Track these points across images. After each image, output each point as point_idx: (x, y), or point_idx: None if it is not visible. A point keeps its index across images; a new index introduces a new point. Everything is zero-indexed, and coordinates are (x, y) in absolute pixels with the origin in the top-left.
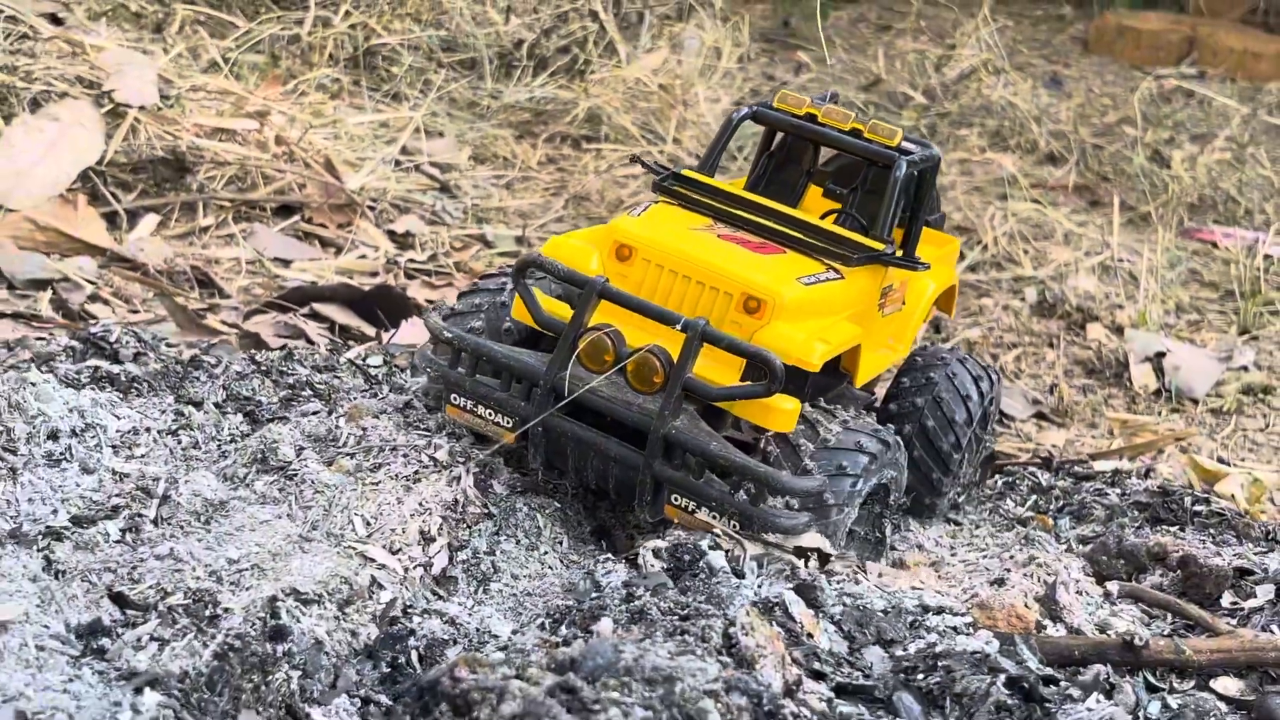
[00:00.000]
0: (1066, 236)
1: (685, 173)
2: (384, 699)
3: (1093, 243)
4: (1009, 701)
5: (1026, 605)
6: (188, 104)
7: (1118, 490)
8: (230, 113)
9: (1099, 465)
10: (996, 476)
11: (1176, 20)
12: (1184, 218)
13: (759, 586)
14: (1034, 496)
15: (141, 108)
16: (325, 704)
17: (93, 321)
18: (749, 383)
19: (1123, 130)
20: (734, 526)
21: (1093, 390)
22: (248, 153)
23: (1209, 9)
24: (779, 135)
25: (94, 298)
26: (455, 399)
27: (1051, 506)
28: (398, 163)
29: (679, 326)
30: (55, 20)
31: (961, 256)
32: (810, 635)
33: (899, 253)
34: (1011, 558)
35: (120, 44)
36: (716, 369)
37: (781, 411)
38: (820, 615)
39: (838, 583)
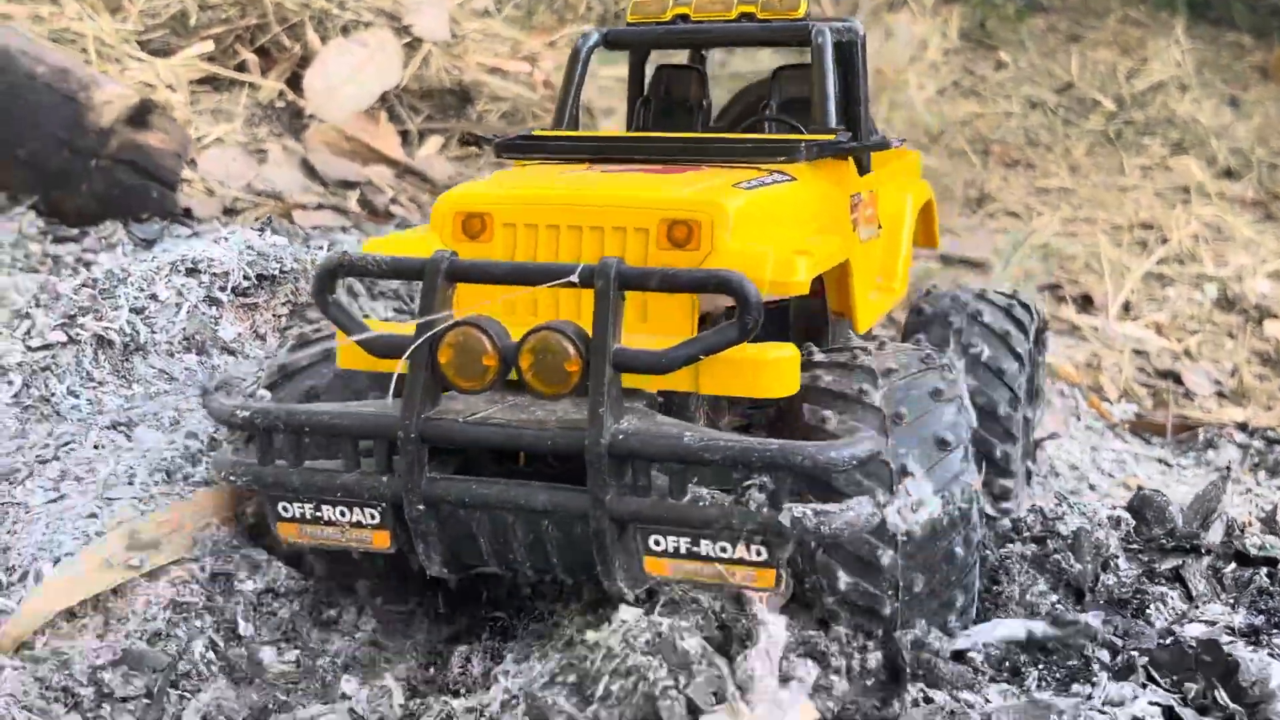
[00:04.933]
0: (1245, 243)
1: (537, 132)
2: None
3: (1270, 251)
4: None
5: (1250, 521)
6: (471, 43)
7: None
8: (507, 55)
9: None
10: (1198, 430)
11: None
12: None
13: None
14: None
15: (434, 42)
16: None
17: (397, 220)
18: (712, 330)
19: None
20: (758, 553)
21: (1268, 379)
22: (520, 91)
23: None
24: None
25: (393, 200)
26: (285, 509)
27: (1248, 460)
28: None
29: (576, 277)
30: None
31: (1151, 251)
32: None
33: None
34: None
35: None
36: (656, 343)
37: (775, 365)
38: None
39: None
